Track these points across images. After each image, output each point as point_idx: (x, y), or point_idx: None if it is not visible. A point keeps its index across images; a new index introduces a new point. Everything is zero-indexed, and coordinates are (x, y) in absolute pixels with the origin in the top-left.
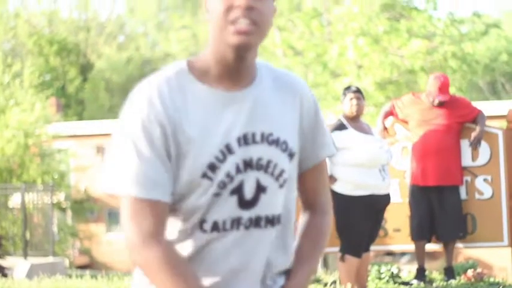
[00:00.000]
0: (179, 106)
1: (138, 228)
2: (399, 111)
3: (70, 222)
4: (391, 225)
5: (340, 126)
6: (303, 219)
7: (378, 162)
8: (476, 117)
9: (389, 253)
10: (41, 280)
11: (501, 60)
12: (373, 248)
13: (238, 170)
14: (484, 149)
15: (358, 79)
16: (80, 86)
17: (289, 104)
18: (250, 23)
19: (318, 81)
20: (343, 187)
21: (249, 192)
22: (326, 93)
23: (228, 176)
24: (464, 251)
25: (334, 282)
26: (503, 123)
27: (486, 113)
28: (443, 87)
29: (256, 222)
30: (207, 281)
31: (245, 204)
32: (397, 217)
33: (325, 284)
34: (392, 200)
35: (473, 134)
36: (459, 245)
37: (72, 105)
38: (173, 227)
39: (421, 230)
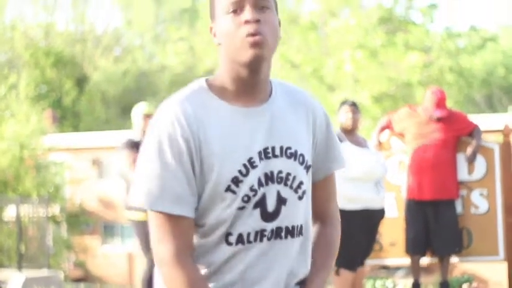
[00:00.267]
0: (202, 122)
1: (166, 245)
2: (395, 124)
3: (65, 235)
4: (387, 239)
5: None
6: (313, 229)
7: (373, 176)
8: (473, 132)
9: (385, 267)
10: None
11: (498, 74)
12: (368, 262)
13: (260, 184)
14: (480, 163)
15: (355, 93)
16: (76, 98)
17: (303, 119)
18: (262, 36)
19: (315, 94)
20: (338, 201)
21: (271, 204)
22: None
23: (252, 189)
24: (460, 266)
25: None
26: (499, 138)
27: (482, 127)
28: (440, 103)
29: (277, 234)
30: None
31: (268, 216)
32: (393, 231)
33: None
34: (387, 214)
35: (470, 148)
36: (454, 259)
37: (68, 118)
38: (200, 240)
39: (417, 244)
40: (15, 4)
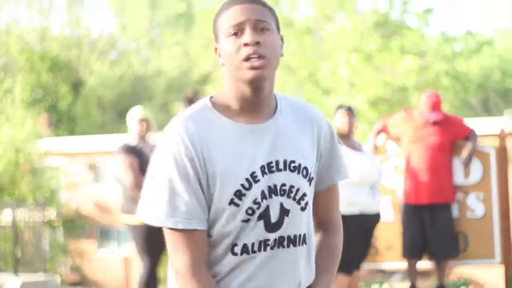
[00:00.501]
0: (206, 141)
1: (181, 258)
2: (391, 128)
3: (61, 239)
4: (383, 243)
5: None
6: (316, 238)
7: (368, 180)
8: (469, 136)
9: (381, 271)
10: None
11: (494, 78)
12: (364, 266)
13: (264, 196)
14: (477, 167)
15: (351, 97)
16: (72, 103)
17: (308, 132)
18: (260, 57)
19: (311, 99)
20: None
21: (274, 216)
22: None
23: (255, 202)
24: (456, 270)
25: None
26: (495, 142)
27: (479, 131)
28: (436, 106)
29: (280, 243)
30: None
31: (271, 227)
32: (389, 235)
33: None
34: (383, 218)
35: (465, 151)
36: (451, 262)
37: (64, 122)
38: (208, 251)
39: (413, 248)
40: (10, 8)
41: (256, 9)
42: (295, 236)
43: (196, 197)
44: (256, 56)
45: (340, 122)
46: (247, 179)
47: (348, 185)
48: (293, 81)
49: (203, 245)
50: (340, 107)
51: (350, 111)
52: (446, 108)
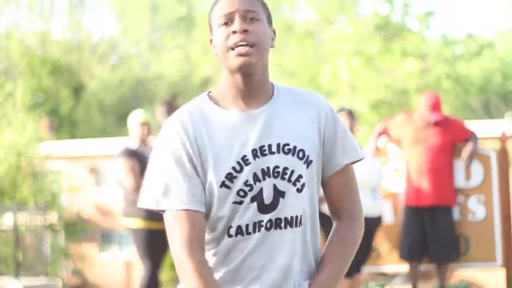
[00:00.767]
0: (199, 129)
1: (178, 239)
2: (392, 131)
3: (63, 243)
4: (384, 246)
5: None
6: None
7: (369, 183)
8: (469, 139)
9: (382, 274)
10: None
11: (495, 80)
12: (365, 269)
13: (256, 179)
14: (478, 169)
15: (352, 100)
16: (73, 107)
17: (305, 116)
18: (247, 45)
19: None
20: None
21: (267, 197)
22: None
23: (247, 184)
24: (458, 272)
25: None
26: (496, 144)
27: (480, 134)
28: (435, 106)
29: (276, 224)
30: (235, 278)
31: (265, 208)
32: (390, 238)
33: None
34: (385, 221)
35: (465, 152)
36: (452, 265)
37: (65, 126)
38: (207, 234)
39: (414, 251)
40: (10, 12)
41: (246, 0)
42: (291, 217)
43: (191, 180)
44: (243, 43)
45: None
46: (238, 162)
47: None
48: (294, 84)
49: (200, 227)
50: (340, 110)
51: (350, 114)
52: (447, 111)
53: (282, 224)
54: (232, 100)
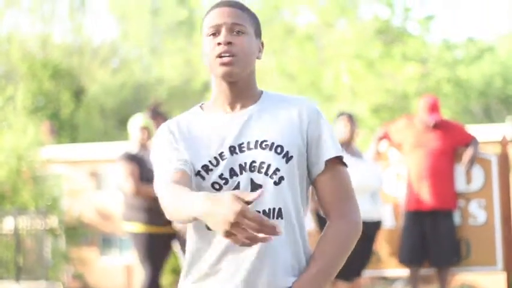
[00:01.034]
0: (186, 127)
1: (162, 178)
2: (393, 135)
3: (63, 247)
4: (384, 250)
5: None
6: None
7: (369, 187)
8: (470, 143)
9: (383, 278)
10: None
11: (495, 84)
12: (366, 273)
13: (233, 174)
14: (478, 174)
15: (352, 104)
16: (74, 111)
17: (289, 116)
18: (231, 55)
19: None
20: None
21: (244, 190)
22: None
23: (222, 177)
24: (458, 277)
25: None
26: (497, 148)
27: (480, 138)
28: (434, 108)
29: None
30: (216, 266)
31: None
32: (391, 242)
33: None
34: (385, 225)
35: (466, 156)
36: (453, 269)
37: (66, 129)
38: (192, 227)
39: (415, 255)
40: (11, 15)
41: (234, 13)
42: (269, 209)
43: (179, 152)
44: (227, 54)
45: (341, 129)
46: (215, 157)
47: None
48: (294, 88)
49: (186, 182)
50: (341, 114)
51: (351, 118)
52: (447, 115)
53: None
54: (221, 105)
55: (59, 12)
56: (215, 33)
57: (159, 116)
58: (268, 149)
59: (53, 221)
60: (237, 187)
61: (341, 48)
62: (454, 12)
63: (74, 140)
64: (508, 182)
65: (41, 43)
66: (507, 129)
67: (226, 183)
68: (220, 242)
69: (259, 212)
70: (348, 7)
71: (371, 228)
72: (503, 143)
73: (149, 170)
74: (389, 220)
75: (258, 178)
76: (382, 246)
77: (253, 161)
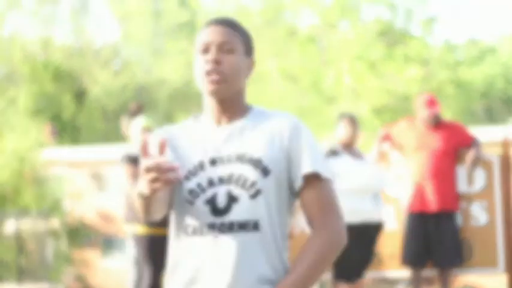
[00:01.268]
0: (174, 135)
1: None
2: (395, 137)
3: (65, 248)
4: (386, 251)
5: (334, 153)
6: None
7: (370, 189)
8: (471, 144)
9: (385, 280)
10: None
11: (497, 85)
12: (368, 274)
13: (211, 184)
14: (480, 175)
15: (354, 105)
16: (76, 112)
17: (270, 131)
18: (219, 74)
19: (314, 108)
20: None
21: (221, 202)
22: (321, 120)
23: (199, 186)
24: (460, 278)
25: None
26: (499, 150)
27: (482, 139)
28: (431, 102)
29: (229, 227)
30: (191, 273)
31: (218, 212)
32: (393, 244)
33: None
34: (387, 226)
35: (468, 158)
36: (454, 270)
37: (67, 131)
38: (175, 230)
39: (418, 257)
40: (13, 17)
41: (225, 32)
42: (246, 221)
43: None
44: (215, 72)
45: (343, 131)
46: (195, 167)
47: (350, 193)
48: (297, 89)
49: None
50: (342, 116)
51: (353, 120)
52: (449, 116)
53: (235, 228)
54: (209, 118)
55: (60, 14)
56: (206, 51)
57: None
58: (247, 163)
59: (54, 223)
60: (214, 197)
61: (343, 49)
62: (455, 13)
63: (75, 141)
64: (509, 183)
65: (43, 45)
66: (509, 131)
67: (203, 192)
68: (200, 252)
69: (236, 222)
70: (350, 9)
71: (372, 230)
72: (505, 144)
73: None
74: (391, 221)
75: (236, 191)
76: (383, 247)
77: (232, 174)
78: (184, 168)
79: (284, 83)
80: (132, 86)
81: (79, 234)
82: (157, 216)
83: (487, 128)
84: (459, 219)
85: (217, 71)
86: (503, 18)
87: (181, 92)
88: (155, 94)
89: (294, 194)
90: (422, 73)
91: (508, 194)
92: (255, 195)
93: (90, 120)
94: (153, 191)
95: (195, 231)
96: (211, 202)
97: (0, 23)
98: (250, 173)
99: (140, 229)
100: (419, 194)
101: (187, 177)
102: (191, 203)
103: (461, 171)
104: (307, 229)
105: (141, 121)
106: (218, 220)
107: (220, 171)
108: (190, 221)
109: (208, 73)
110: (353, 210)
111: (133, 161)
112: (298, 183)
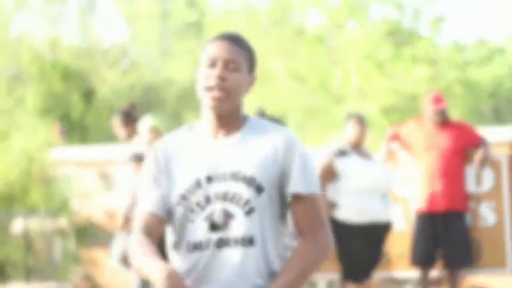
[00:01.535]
0: (171, 154)
1: (137, 219)
2: (403, 137)
3: (73, 248)
4: (395, 251)
5: (342, 153)
6: None
7: (379, 189)
8: (480, 144)
9: (393, 280)
10: None
11: (505, 85)
12: (376, 274)
13: (208, 201)
14: (488, 175)
15: (362, 105)
16: (84, 112)
17: (265, 147)
18: (222, 90)
19: (321, 107)
20: (345, 214)
21: (218, 218)
22: (329, 120)
23: (198, 204)
24: (469, 279)
25: None
26: (507, 149)
27: (490, 139)
28: (437, 99)
29: (227, 242)
30: (194, 284)
31: (215, 228)
32: (401, 244)
33: None
34: (395, 226)
35: (477, 158)
36: (462, 271)
37: (76, 131)
38: (174, 245)
39: (427, 257)
40: (21, 18)
41: (231, 49)
42: (242, 237)
43: (158, 190)
44: (218, 88)
45: (351, 131)
46: (192, 185)
47: (358, 193)
48: (304, 89)
49: (153, 225)
50: (351, 116)
51: (361, 120)
52: (457, 116)
53: (232, 243)
54: (206, 128)
55: (68, 13)
56: (212, 65)
57: (131, 120)
58: (241, 181)
59: (62, 222)
60: (212, 214)
61: (350, 49)
62: (464, 13)
63: (84, 141)
64: None
65: (51, 45)
66: None
67: (201, 210)
68: (197, 266)
69: (233, 238)
70: (358, 8)
71: (381, 230)
72: None
73: None
74: (399, 221)
75: (231, 208)
76: (392, 247)
77: (227, 192)
78: (183, 187)
79: (292, 83)
80: (140, 86)
81: (87, 233)
82: None
83: (495, 128)
84: (468, 220)
85: (220, 86)
86: None
87: (189, 92)
88: (163, 94)
89: (286, 206)
90: (430, 73)
91: None
92: (249, 212)
93: (98, 119)
94: None
95: (196, 247)
96: (210, 218)
97: (8, 23)
98: (244, 192)
99: None
100: (429, 194)
101: (185, 197)
102: (192, 221)
103: (470, 172)
104: None
105: (148, 121)
106: (216, 236)
107: (216, 188)
108: (191, 237)
109: (212, 88)
110: (361, 210)
111: (139, 159)
112: (288, 199)
